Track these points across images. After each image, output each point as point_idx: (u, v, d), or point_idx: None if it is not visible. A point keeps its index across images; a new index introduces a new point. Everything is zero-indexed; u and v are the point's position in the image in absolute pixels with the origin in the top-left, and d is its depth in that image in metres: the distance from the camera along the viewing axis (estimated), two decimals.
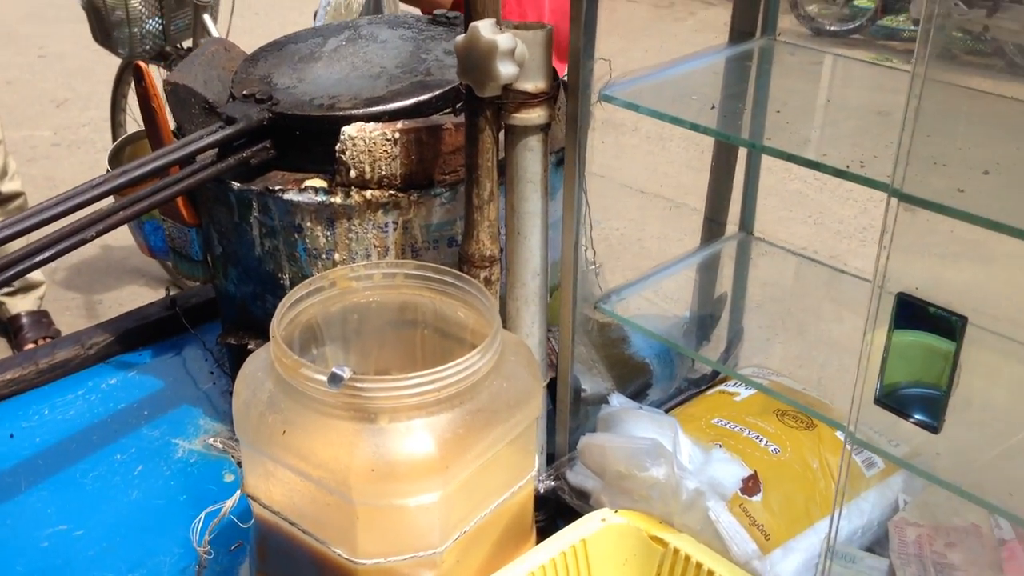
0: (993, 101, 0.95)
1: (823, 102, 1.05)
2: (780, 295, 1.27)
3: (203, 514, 0.96)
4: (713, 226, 1.28)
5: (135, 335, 1.43)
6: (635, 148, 3.94)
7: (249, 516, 1.01)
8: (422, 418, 0.85)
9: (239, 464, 0.98)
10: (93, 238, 1.00)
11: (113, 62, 3.02)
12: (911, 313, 0.80)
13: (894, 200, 0.80)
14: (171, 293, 1.49)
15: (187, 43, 2.76)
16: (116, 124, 3.17)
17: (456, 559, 0.92)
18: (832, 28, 5.74)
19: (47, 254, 0.97)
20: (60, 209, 0.96)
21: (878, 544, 1.09)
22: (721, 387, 1.26)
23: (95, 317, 3.10)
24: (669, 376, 1.32)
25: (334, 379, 0.82)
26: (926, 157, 0.81)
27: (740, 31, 1.16)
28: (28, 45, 5.55)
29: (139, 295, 3.21)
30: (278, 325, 0.90)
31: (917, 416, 0.82)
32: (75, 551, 1.10)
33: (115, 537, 1.12)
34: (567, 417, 1.15)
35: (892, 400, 0.84)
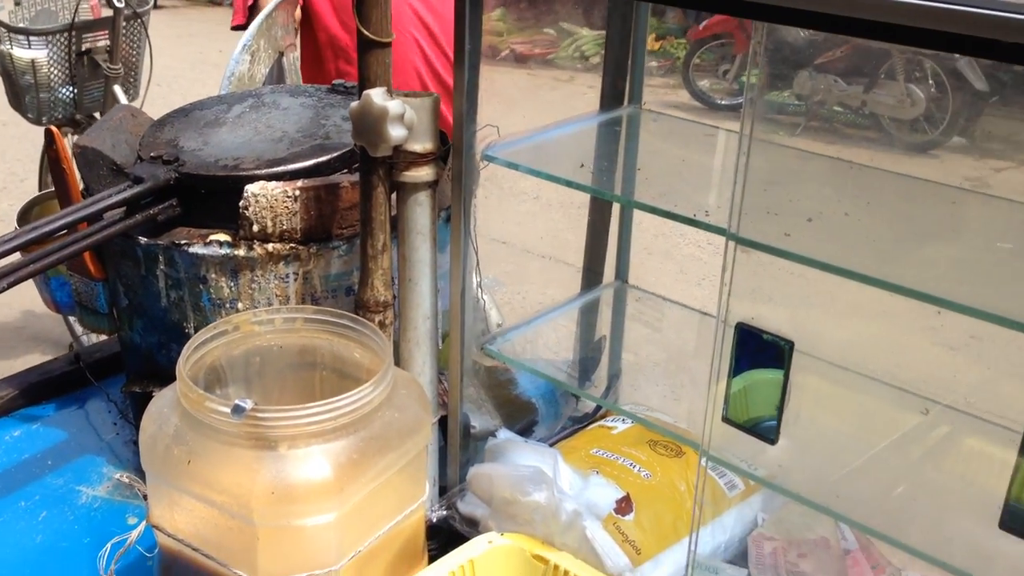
0: (821, 161, 1.11)
1: (679, 162, 1.19)
2: (653, 337, 1.39)
3: (109, 544, 1.01)
4: (591, 275, 1.40)
5: (39, 389, 1.47)
6: (536, 214, 4.10)
7: (154, 551, 1.06)
8: (319, 444, 0.93)
9: (145, 498, 1.03)
10: (3, 290, 1.06)
11: (6, 133, 3.03)
12: (748, 340, 0.92)
13: (731, 243, 0.93)
14: (75, 349, 1.53)
15: (98, 114, 2.81)
16: (44, 184, 3.17)
17: None
18: (723, 102, 6.06)
19: None
20: None
21: (740, 557, 1.20)
22: (600, 423, 1.36)
23: None
24: (554, 415, 1.43)
25: (237, 410, 0.90)
26: (760, 207, 0.95)
27: (610, 100, 1.29)
28: None
29: (35, 362, 3.18)
30: (184, 365, 0.98)
31: (757, 429, 0.94)
32: None
33: None
34: (457, 451, 1.24)
35: (734, 411, 0.96)
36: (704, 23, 6.13)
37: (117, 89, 2.78)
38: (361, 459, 0.95)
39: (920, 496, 1.03)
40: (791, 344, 0.90)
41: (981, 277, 0.90)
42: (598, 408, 1.45)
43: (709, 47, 6.17)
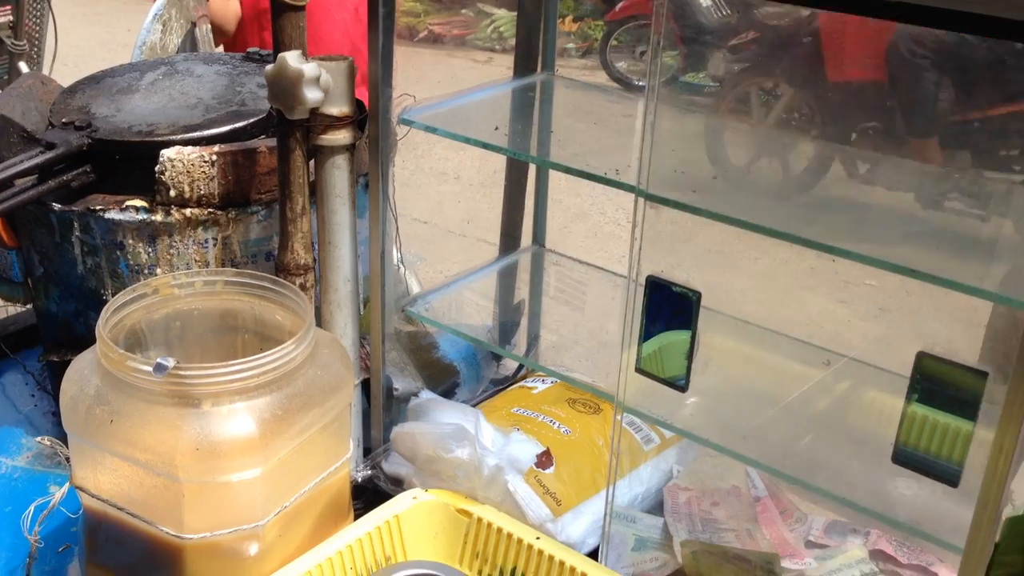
0: (731, 127, 1.15)
1: (591, 125, 1.22)
2: (572, 300, 1.43)
3: (32, 506, 1.01)
4: (509, 240, 1.43)
5: None
6: (457, 194, 4.13)
7: (78, 512, 1.06)
8: (242, 401, 0.95)
9: (67, 461, 1.03)
10: None
11: None
12: (658, 292, 0.96)
13: (641, 199, 0.97)
14: None
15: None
16: None
17: (278, 533, 1.01)
18: (640, 83, 6.13)
19: None
20: None
21: (656, 507, 1.25)
22: (520, 384, 1.40)
23: None
24: (475, 378, 1.46)
25: (159, 368, 0.91)
26: (668, 167, 0.99)
27: (523, 68, 1.32)
28: None
29: None
30: (103, 327, 0.98)
31: (668, 377, 0.99)
32: None
33: None
34: (380, 413, 1.27)
35: (647, 368, 1.00)
36: (620, 4, 6.20)
37: (22, 65, 2.71)
38: (285, 415, 0.97)
39: (823, 441, 1.09)
40: (698, 294, 0.94)
41: (877, 229, 0.95)
42: (518, 371, 1.49)
43: (626, 28, 6.23)
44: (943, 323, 0.88)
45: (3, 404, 1.42)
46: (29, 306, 1.43)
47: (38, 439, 1.04)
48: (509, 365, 1.52)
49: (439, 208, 3.90)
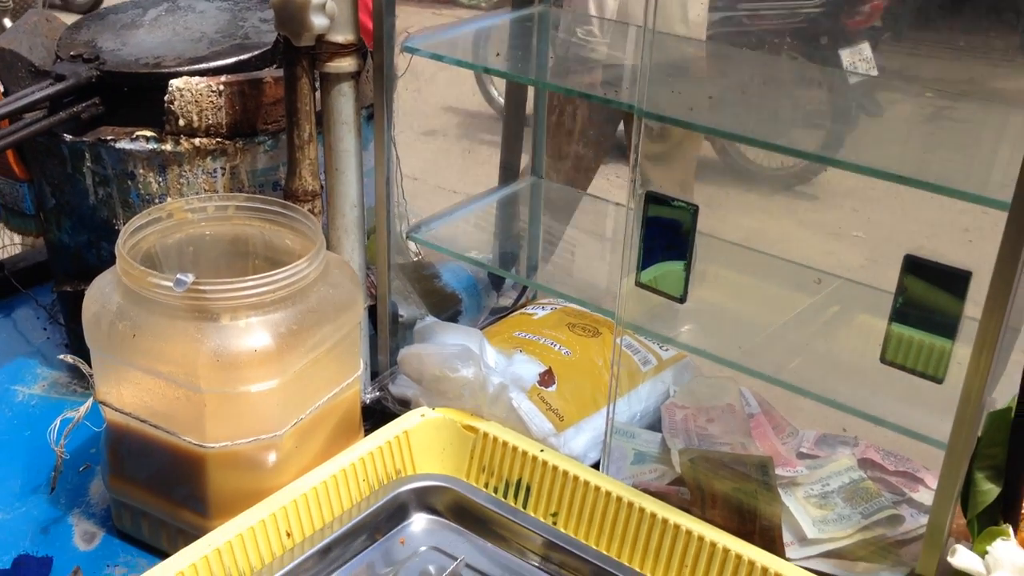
0: (727, 53, 1.19)
1: (591, 52, 1.25)
2: (570, 228, 1.47)
3: (58, 420, 1.05)
4: (508, 172, 1.47)
5: None
6: (447, 151, 4.16)
7: (99, 432, 1.10)
8: (259, 316, 0.99)
9: (89, 378, 1.07)
10: None
11: None
12: (658, 205, 1.00)
13: (639, 118, 1.00)
14: None
15: None
16: None
17: (295, 445, 1.06)
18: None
19: None
20: None
21: (655, 425, 1.30)
22: (521, 311, 1.44)
23: None
24: (477, 307, 1.50)
25: (179, 283, 0.95)
26: (666, 89, 1.02)
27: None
28: None
29: None
30: (123, 246, 1.01)
31: (666, 291, 1.03)
32: None
33: None
34: (387, 337, 1.31)
35: (646, 281, 1.04)
36: None
37: (6, 22, 2.72)
38: (299, 330, 1.01)
39: (816, 353, 1.14)
40: (696, 208, 0.98)
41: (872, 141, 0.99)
42: (518, 300, 1.53)
43: None
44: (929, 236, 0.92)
45: (17, 337, 1.46)
46: (40, 241, 1.46)
47: (61, 356, 1.08)
48: (508, 296, 1.56)
49: (432, 167, 3.93)
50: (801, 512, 1.10)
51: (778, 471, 1.16)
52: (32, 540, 1.09)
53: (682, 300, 1.03)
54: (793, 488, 1.14)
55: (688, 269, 1.01)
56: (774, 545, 1.05)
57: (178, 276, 0.95)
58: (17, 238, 1.76)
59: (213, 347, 0.96)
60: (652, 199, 0.99)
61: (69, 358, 1.06)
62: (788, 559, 1.03)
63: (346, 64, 1.13)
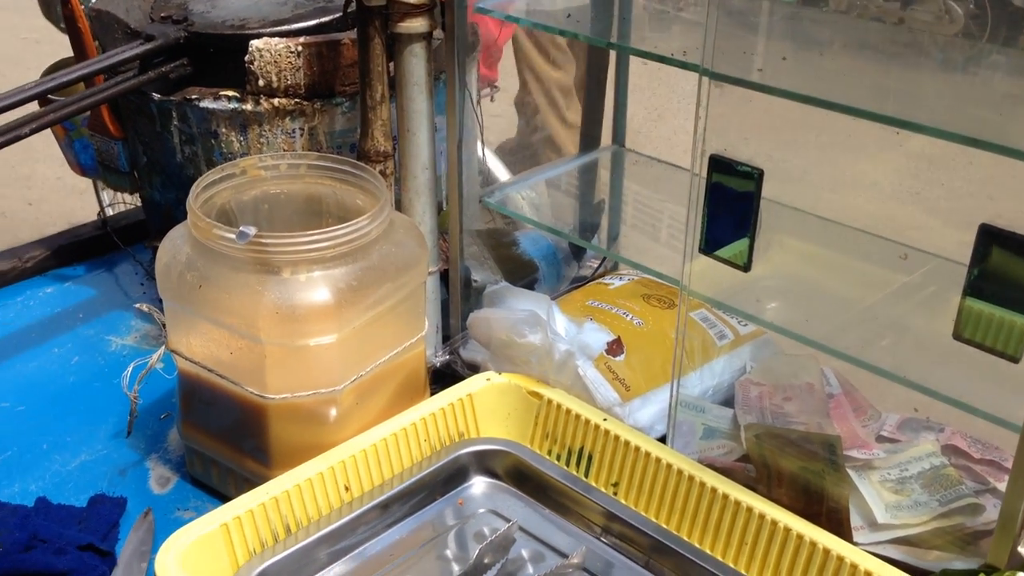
0: (807, 14, 1.13)
1: (659, 9, 1.22)
2: (652, 199, 1.44)
3: (131, 367, 1.10)
4: (588, 140, 1.44)
5: (69, 251, 1.56)
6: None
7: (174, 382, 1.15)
8: (320, 271, 1.00)
9: (163, 328, 1.11)
10: (27, 135, 1.13)
11: (40, 50, 3.10)
12: (721, 170, 0.96)
13: (705, 78, 0.97)
14: (102, 216, 1.61)
15: None
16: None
17: (355, 401, 1.07)
18: None
19: None
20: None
21: (728, 402, 1.26)
22: (598, 281, 1.42)
23: None
24: (555, 276, 1.48)
25: (241, 235, 0.97)
26: (736, 48, 0.99)
27: None
28: None
29: None
30: (194, 200, 1.04)
31: (731, 257, 0.99)
32: (18, 422, 1.23)
33: (55, 410, 1.25)
34: (459, 301, 1.31)
35: (711, 248, 1.01)
36: None
37: None
38: (359, 286, 1.02)
39: (902, 333, 1.08)
40: (760, 171, 0.94)
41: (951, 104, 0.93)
42: (597, 270, 1.51)
43: None
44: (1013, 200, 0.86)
45: (116, 291, 1.52)
46: (136, 198, 1.52)
47: (137, 304, 1.12)
48: (590, 269, 1.54)
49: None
50: (874, 496, 1.05)
51: (853, 453, 1.11)
52: (110, 481, 1.14)
53: (746, 269, 0.99)
54: (868, 471, 1.09)
55: (752, 236, 0.97)
56: (841, 528, 1.01)
57: (241, 229, 0.97)
58: (128, 197, 1.84)
59: (274, 300, 0.98)
60: (716, 163, 0.96)
61: (145, 307, 1.10)
62: (855, 543, 0.99)
63: (418, 24, 1.13)
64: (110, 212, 1.81)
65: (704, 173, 0.98)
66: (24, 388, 1.29)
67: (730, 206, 0.97)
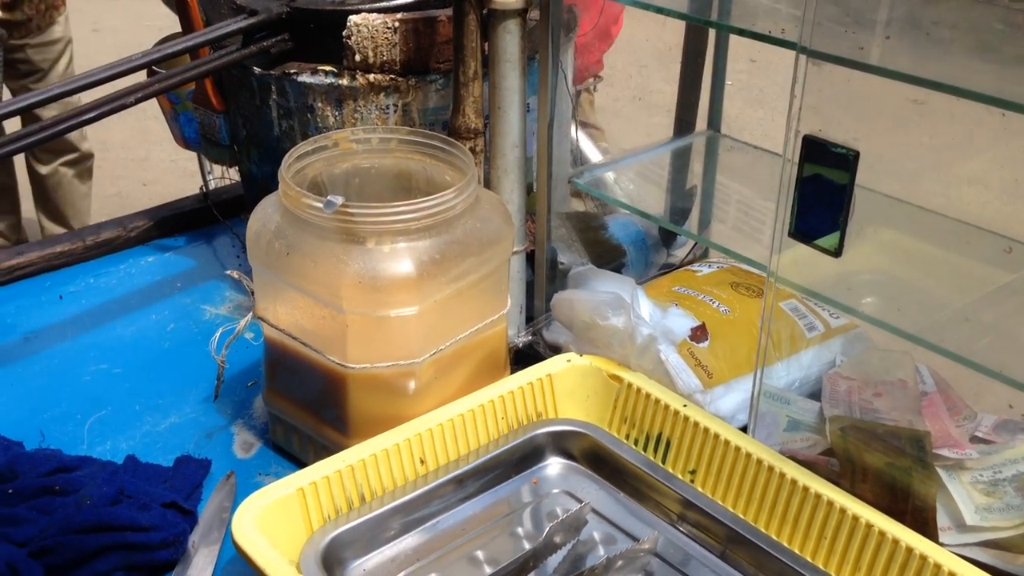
0: None
1: None
2: (745, 185, 1.41)
3: (219, 332, 1.12)
4: (683, 125, 1.42)
5: (171, 222, 1.61)
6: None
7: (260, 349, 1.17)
8: (404, 242, 1.01)
9: (251, 295, 1.13)
10: (132, 104, 1.17)
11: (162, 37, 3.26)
12: (815, 151, 0.93)
13: (803, 57, 0.94)
14: (204, 189, 1.66)
15: None
16: None
17: (434, 375, 1.08)
18: None
19: (92, 114, 1.14)
20: (105, 75, 1.13)
21: (815, 396, 1.23)
22: (686, 268, 1.40)
23: None
24: (643, 262, 1.46)
25: (329, 204, 0.98)
26: (835, 25, 0.95)
27: None
28: (82, 20, 5.79)
29: None
30: (285, 170, 1.06)
31: (822, 243, 0.96)
32: (114, 384, 1.27)
33: (149, 373, 1.29)
34: (544, 283, 1.31)
35: (801, 233, 0.98)
36: None
37: None
38: (442, 259, 1.02)
39: (994, 324, 1.04)
40: (856, 153, 0.91)
41: None
42: (684, 260, 1.48)
43: None
44: None
45: (213, 262, 1.57)
46: (235, 173, 1.56)
47: (228, 271, 1.15)
48: (678, 255, 1.52)
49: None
50: (964, 497, 1.01)
51: (944, 452, 1.07)
52: (196, 444, 1.17)
53: (837, 254, 0.96)
54: (959, 472, 1.04)
55: (845, 221, 0.94)
56: (926, 528, 0.97)
57: (329, 198, 0.98)
58: (232, 172, 1.89)
59: (357, 269, 0.99)
60: (809, 143, 0.93)
61: (235, 274, 1.12)
62: (941, 544, 0.95)
63: (512, 0, 1.13)
64: (213, 186, 1.86)
65: (796, 155, 0.95)
66: (122, 351, 1.34)
67: (822, 189, 0.94)
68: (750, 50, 1.14)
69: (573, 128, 1.34)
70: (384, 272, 1.00)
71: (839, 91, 0.94)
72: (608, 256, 1.41)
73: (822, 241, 0.96)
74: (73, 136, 3.19)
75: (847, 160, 0.92)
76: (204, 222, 1.64)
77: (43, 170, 3.26)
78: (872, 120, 0.97)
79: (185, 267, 1.54)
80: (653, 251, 1.47)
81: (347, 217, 0.99)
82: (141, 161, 4.62)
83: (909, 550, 0.92)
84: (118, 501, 1.01)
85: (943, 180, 1.10)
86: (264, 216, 1.07)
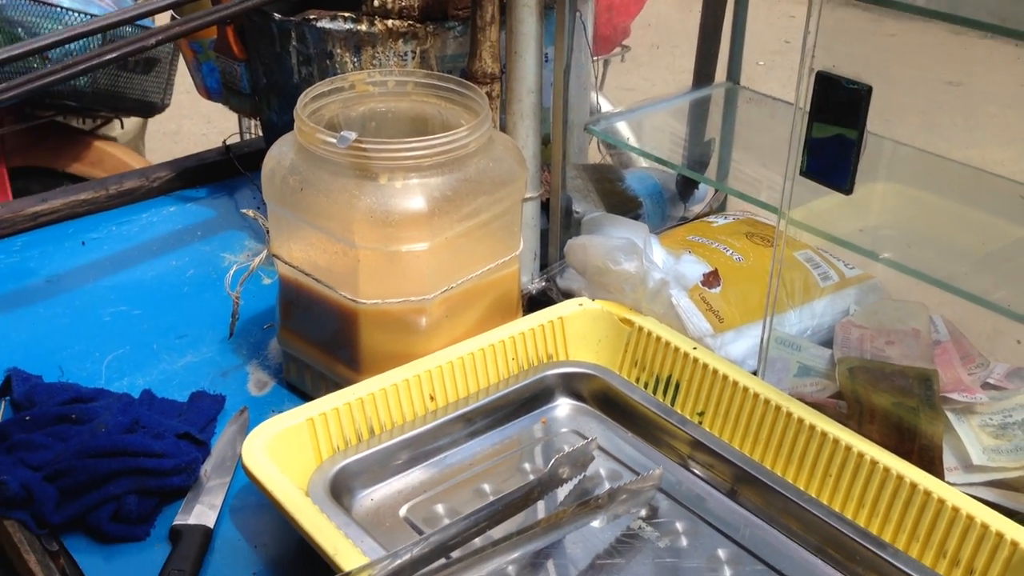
0: None
1: None
2: (766, 138, 1.40)
3: (233, 269, 1.14)
4: (702, 77, 1.42)
5: (193, 174, 1.63)
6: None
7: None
8: (416, 179, 1.02)
9: (266, 233, 1.15)
10: (153, 46, 1.18)
11: None
12: (827, 86, 0.93)
13: None
14: (226, 142, 1.68)
15: None
16: None
17: (445, 313, 1.09)
18: None
19: (114, 55, 1.15)
20: (128, 16, 1.14)
21: (827, 343, 1.23)
22: (702, 219, 1.40)
23: None
24: (660, 215, 1.47)
25: (342, 139, 0.99)
26: None
27: None
28: None
29: None
30: (301, 109, 1.07)
31: (831, 179, 0.96)
32: (133, 324, 1.30)
33: (167, 315, 1.31)
34: (559, 230, 1.31)
35: (813, 171, 0.98)
36: None
37: None
38: (454, 197, 1.03)
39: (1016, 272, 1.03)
40: (869, 88, 0.91)
41: None
42: (701, 213, 1.48)
43: None
44: None
45: (234, 213, 1.58)
46: (256, 125, 1.57)
47: (243, 211, 1.16)
48: (695, 211, 1.52)
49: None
50: (972, 439, 1.01)
51: (955, 395, 1.07)
52: (211, 381, 1.19)
53: (848, 191, 0.96)
54: (968, 415, 1.04)
55: (856, 158, 0.94)
56: (933, 467, 0.97)
57: (342, 133, 0.99)
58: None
59: (369, 204, 1.00)
60: (821, 79, 0.93)
61: (251, 213, 1.14)
62: (947, 483, 0.95)
63: None
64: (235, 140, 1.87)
65: (809, 91, 0.95)
66: (142, 294, 1.36)
67: (835, 123, 0.94)
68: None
69: (591, 77, 1.34)
70: (396, 207, 1.01)
71: (855, 28, 0.94)
72: (624, 207, 1.41)
73: (833, 180, 0.96)
74: None
75: (860, 95, 0.91)
76: (226, 174, 1.65)
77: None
78: (889, 62, 0.96)
79: (206, 217, 1.56)
80: (670, 204, 1.47)
81: (360, 152, 1.00)
82: (173, 134, 4.67)
83: (913, 486, 0.92)
84: (133, 430, 1.03)
85: (964, 129, 1.09)
86: (279, 154, 1.09)
